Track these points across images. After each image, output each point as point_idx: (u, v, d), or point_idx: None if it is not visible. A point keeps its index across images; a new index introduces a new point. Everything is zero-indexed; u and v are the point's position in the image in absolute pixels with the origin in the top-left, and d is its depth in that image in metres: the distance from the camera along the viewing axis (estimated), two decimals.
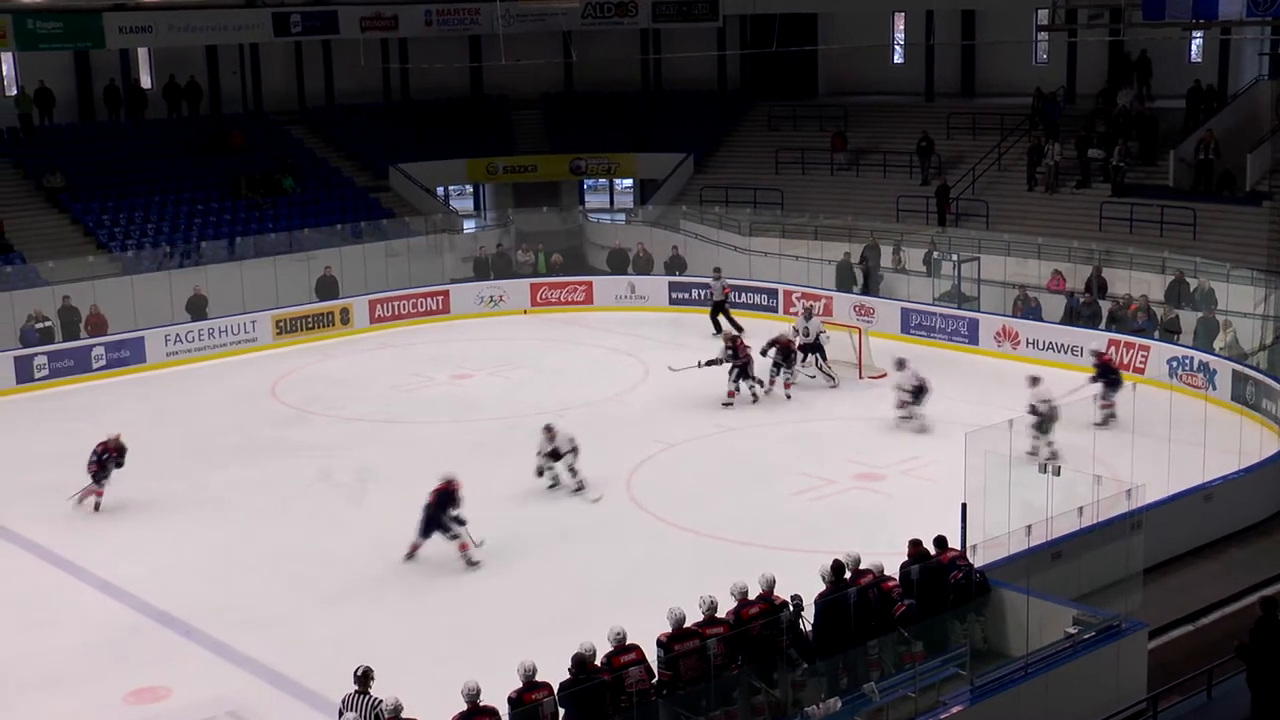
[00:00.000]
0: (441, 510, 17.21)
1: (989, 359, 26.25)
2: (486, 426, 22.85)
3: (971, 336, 26.92)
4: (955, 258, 29.04)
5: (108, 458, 19.60)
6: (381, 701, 11.50)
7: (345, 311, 30.66)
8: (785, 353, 24.18)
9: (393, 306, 31.33)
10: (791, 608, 12.68)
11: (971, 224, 31.96)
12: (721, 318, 28.88)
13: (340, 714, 11.58)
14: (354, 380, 26.79)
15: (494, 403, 24.64)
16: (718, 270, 30.01)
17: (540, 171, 40.21)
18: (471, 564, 17.16)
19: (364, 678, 11.78)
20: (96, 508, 19.60)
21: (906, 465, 20.41)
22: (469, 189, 43.59)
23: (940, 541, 14.08)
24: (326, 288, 31.09)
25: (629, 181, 43.26)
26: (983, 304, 28.13)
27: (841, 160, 36.56)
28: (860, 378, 25.35)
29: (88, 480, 19.58)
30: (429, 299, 31.88)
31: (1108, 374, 21.92)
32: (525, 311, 32.09)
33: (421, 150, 38.64)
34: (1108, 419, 21.22)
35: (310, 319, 30.18)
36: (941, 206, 32.67)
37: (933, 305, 28.51)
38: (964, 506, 15.18)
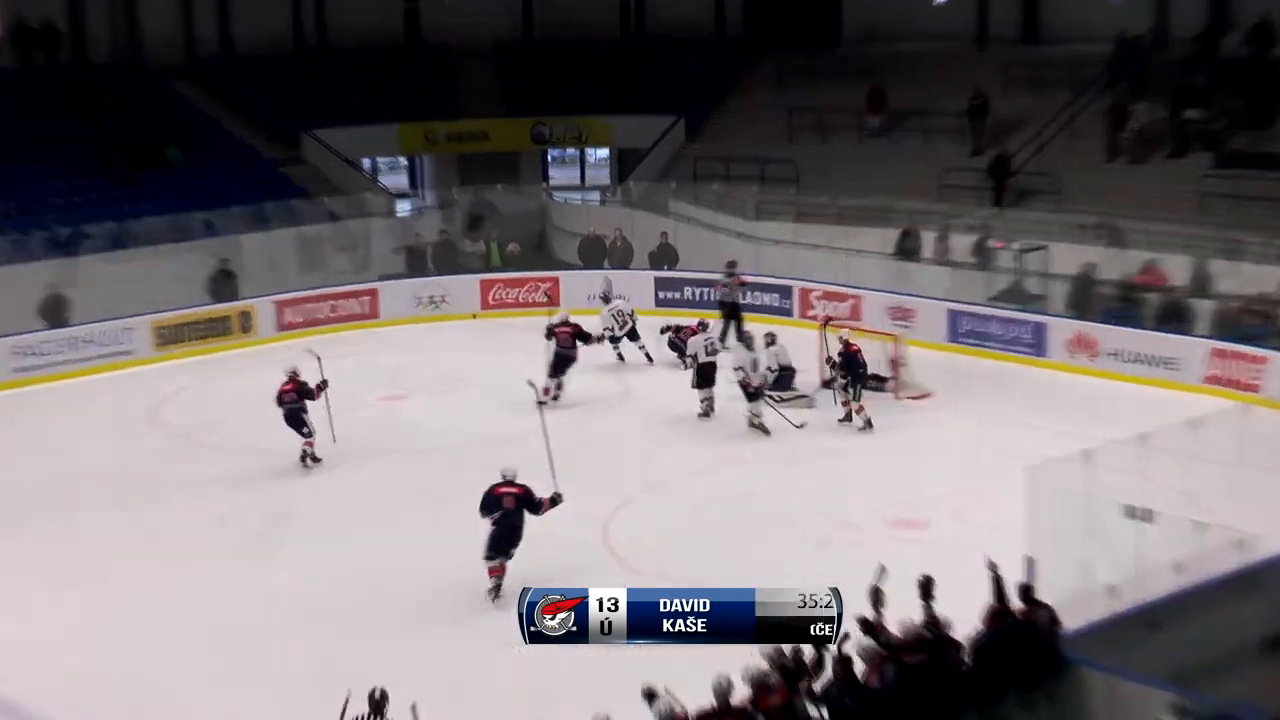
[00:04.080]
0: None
1: (1059, 373, 26.28)
2: (426, 461, 22.72)
3: (1038, 346, 26.98)
4: (1016, 247, 29.09)
5: (296, 407, 22.66)
6: None
7: (246, 316, 30.68)
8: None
9: (306, 310, 31.36)
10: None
11: (1037, 204, 32.06)
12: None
13: None
14: (257, 402, 26.61)
15: (435, 431, 24.58)
16: (731, 263, 29.70)
17: (493, 140, 40.38)
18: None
19: (380, 700, 12.32)
20: (309, 460, 22.88)
21: (950, 506, 20.35)
22: (403, 161, 43.67)
23: (1026, 593, 13.95)
24: (222, 286, 31.03)
25: (604, 152, 43.42)
26: (1051, 304, 28.19)
27: (873, 126, 36.64)
28: (897, 397, 25.32)
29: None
30: (352, 300, 31.96)
31: (850, 365, 23.59)
32: (474, 315, 32.13)
33: (343, 113, 38.75)
34: (849, 416, 23.68)
35: (202, 325, 30.20)
36: (998, 182, 32.75)
37: (987, 306, 28.55)
38: (1028, 560, 15.13)
